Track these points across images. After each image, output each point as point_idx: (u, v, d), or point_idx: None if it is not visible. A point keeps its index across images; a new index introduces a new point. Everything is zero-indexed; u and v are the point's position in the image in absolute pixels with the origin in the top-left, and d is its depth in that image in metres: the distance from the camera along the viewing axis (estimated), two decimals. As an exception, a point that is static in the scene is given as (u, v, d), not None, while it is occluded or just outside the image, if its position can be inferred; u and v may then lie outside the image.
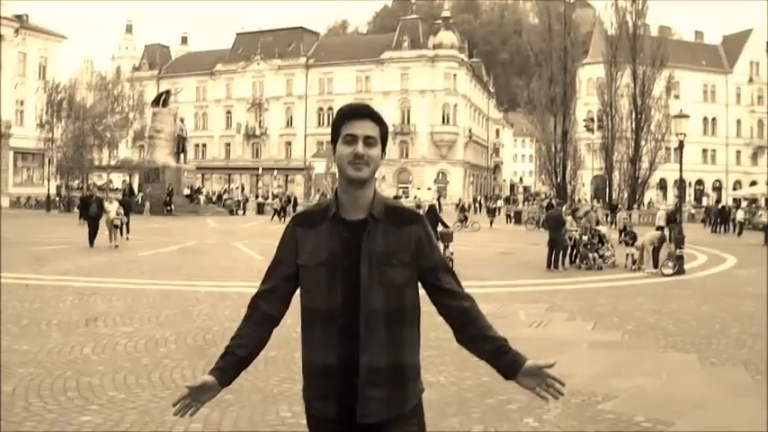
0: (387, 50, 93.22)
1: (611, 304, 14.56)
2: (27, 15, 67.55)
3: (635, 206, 55.01)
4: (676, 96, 72.67)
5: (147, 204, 51.06)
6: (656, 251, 21.35)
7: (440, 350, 8.38)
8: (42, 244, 25.43)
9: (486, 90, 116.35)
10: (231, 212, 58.50)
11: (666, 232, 21.70)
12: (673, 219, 22.42)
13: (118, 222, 25.96)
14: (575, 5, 67.39)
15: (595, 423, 6.62)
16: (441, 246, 16.74)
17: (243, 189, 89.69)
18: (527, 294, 15.77)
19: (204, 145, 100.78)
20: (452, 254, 19.11)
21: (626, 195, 56.43)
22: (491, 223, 47.23)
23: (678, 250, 20.70)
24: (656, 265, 20.90)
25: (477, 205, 74.41)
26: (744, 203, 57.02)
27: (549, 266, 21.15)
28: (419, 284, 2.86)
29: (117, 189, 59.77)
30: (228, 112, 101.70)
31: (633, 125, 56.68)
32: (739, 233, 41.75)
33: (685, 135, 22.99)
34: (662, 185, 77.58)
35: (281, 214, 47.77)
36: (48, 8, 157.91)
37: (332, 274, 2.74)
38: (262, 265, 3.00)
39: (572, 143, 62.49)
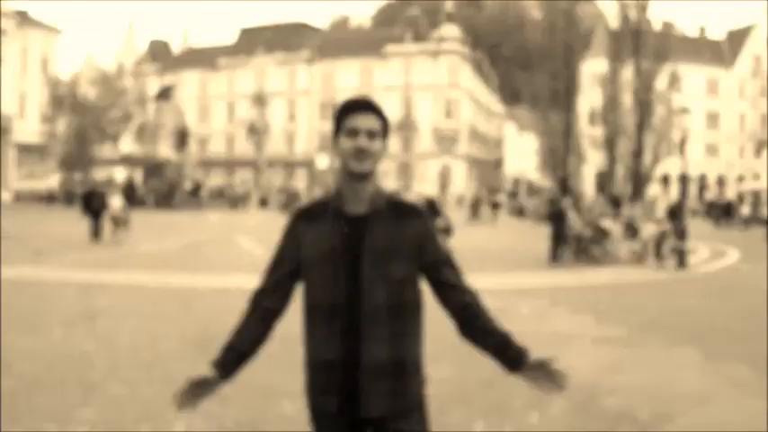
0: (389, 44, 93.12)
1: (613, 299, 14.55)
2: (26, 12, 67.61)
3: (638, 200, 54.95)
4: (679, 91, 72.51)
5: (154, 199, 51.03)
6: (658, 245, 21.33)
7: (442, 344, 8.36)
8: (44, 238, 25.44)
9: (490, 84, 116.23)
10: (233, 207, 58.51)
11: (667, 226, 21.64)
12: (674, 213, 22.36)
13: (121, 217, 25.98)
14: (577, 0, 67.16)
15: (598, 418, 6.61)
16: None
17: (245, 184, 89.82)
18: (530, 288, 15.77)
19: (206, 139, 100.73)
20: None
21: (629, 190, 56.37)
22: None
23: (681, 244, 20.67)
24: (658, 260, 20.88)
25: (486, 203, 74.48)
26: (749, 198, 56.96)
27: (551, 260, 21.16)
28: (422, 279, 2.85)
29: (118, 184, 59.77)
30: (231, 107, 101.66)
31: (636, 120, 56.57)
32: (746, 227, 41.73)
33: (688, 130, 22.94)
34: (665, 180, 77.45)
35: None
36: (50, 3, 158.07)
37: (333, 269, 2.74)
38: (264, 259, 2.98)
39: (575, 137, 62.40)
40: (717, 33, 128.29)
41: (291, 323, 3.11)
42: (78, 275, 16.10)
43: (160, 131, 58.40)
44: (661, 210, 27.06)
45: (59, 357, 8.45)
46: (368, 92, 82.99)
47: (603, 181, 63.02)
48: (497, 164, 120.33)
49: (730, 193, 73.37)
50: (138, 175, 62.36)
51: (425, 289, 2.86)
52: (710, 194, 74.55)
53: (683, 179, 25.33)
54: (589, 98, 67.45)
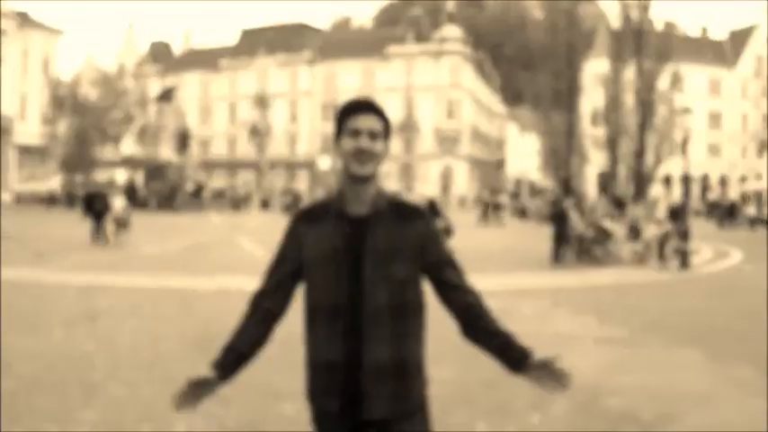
0: (391, 45, 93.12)
1: (615, 299, 14.55)
2: (27, 13, 67.69)
3: (640, 201, 54.93)
4: (681, 91, 72.49)
5: (155, 201, 51.05)
6: (661, 246, 21.32)
7: (445, 345, 8.37)
8: (44, 239, 25.46)
9: (492, 85, 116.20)
10: (235, 208, 58.53)
11: (669, 226, 21.64)
12: (676, 213, 22.35)
13: (125, 217, 26.01)
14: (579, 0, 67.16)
15: (600, 419, 6.61)
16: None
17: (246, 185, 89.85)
18: (532, 289, 15.76)
19: (208, 140, 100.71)
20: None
21: (631, 190, 56.35)
22: (489, 219, 47.09)
23: (684, 245, 20.66)
24: (661, 261, 20.87)
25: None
26: (754, 198, 56.93)
27: (553, 260, 21.17)
28: (424, 279, 2.85)
29: (119, 186, 59.79)
30: (233, 108, 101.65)
31: (638, 120, 56.53)
32: (752, 228, 41.68)
33: (690, 130, 22.93)
34: (667, 180, 77.42)
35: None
36: (50, 4, 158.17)
37: (335, 270, 2.74)
38: (265, 261, 2.98)
39: (577, 138, 62.37)
40: (719, 33, 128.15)
41: (292, 324, 3.11)
42: (79, 277, 16.12)
43: (161, 133, 58.49)
44: (662, 210, 27.08)
45: (60, 358, 8.46)
46: (369, 93, 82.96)
47: (606, 181, 62.99)
48: (499, 164, 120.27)
49: (733, 194, 73.34)
50: (140, 177, 62.42)
51: (427, 290, 2.86)
52: (713, 195, 74.47)
53: (686, 179, 25.33)
54: (591, 98, 67.36)
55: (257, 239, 26.17)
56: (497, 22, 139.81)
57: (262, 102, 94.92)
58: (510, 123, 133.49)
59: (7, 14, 61.95)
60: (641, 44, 56.67)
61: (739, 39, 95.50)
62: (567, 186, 57.55)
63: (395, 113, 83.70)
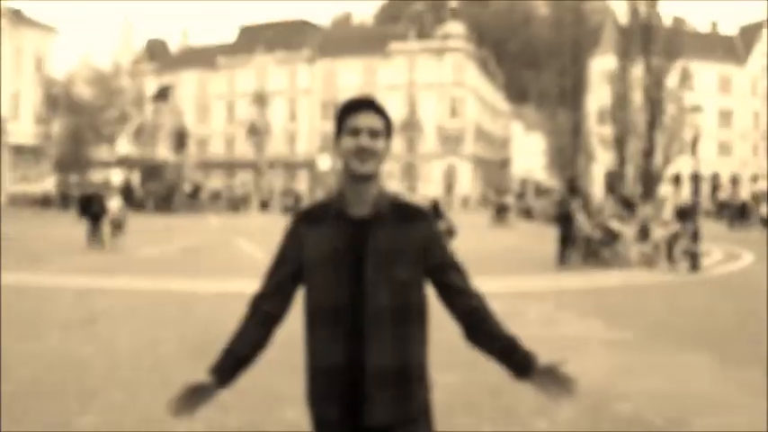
0: (393, 42, 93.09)
1: (623, 302, 14.55)
2: (21, 10, 67.70)
3: (649, 201, 54.89)
4: (691, 89, 72.46)
5: (152, 202, 51.07)
6: (670, 247, 21.30)
7: (448, 349, 8.38)
8: (40, 242, 25.50)
9: (496, 82, 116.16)
10: (234, 209, 58.55)
11: (677, 227, 21.61)
12: (685, 213, 22.33)
13: (121, 219, 26.02)
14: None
15: (608, 424, 6.61)
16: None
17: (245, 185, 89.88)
18: (537, 292, 15.76)
19: (206, 140, 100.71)
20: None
21: (640, 190, 56.30)
22: (502, 220, 47.04)
23: (694, 246, 20.63)
24: (670, 262, 20.86)
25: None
26: (764, 197, 56.77)
27: (559, 262, 21.17)
28: (427, 282, 2.87)
29: (115, 187, 59.75)
30: (231, 107, 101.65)
31: (646, 118, 56.49)
32: (764, 228, 41.59)
33: (700, 128, 22.91)
34: (677, 180, 77.39)
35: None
36: (44, 1, 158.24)
37: (336, 272, 2.74)
38: (265, 263, 3.00)
39: (583, 137, 62.40)
40: (729, 29, 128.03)
41: (293, 326, 3.13)
42: (76, 280, 16.15)
43: (158, 132, 58.56)
44: (668, 210, 27.06)
45: (58, 362, 8.48)
46: (371, 91, 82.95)
47: (613, 181, 62.97)
48: (504, 164, 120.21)
49: (744, 193, 73.23)
50: (136, 178, 62.44)
51: (430, 292, 2.88)
52: (724, 194, 74.36)
53: (695, 179, 25.28)
54: (598, 96, 67.33)
55: (256, 241, 26.18)
56: (501, 19, 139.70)
57: (260, 100, 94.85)
58: (514, 122, 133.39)
59: (0, 12, 61.98)
60: (649, 40, 56.63)
61: (750, 34, 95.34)
62: (574, 186, 57.33)
63: (396, 112, 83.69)
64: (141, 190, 56.70)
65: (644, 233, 22.66)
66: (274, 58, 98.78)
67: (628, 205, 33.44)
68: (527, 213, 53.68)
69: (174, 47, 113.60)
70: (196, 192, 57.55)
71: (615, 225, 23.13)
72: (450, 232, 19.45)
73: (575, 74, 60.97)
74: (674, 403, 7.29)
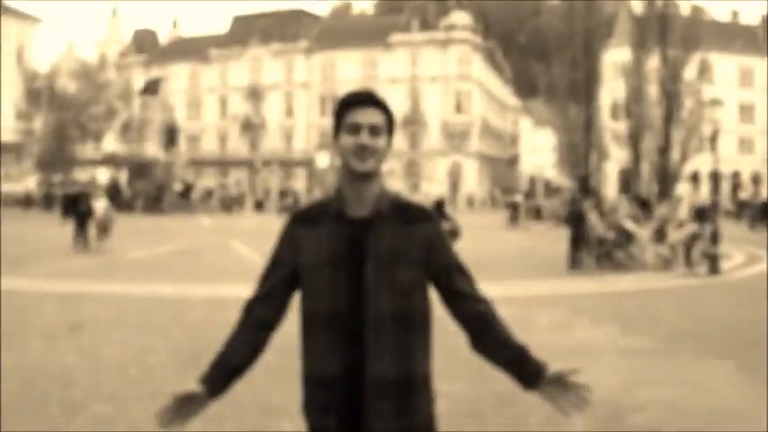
0: (395, 33, 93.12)
1: (639, 307, 14.53)
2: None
3: (665, 200, 54.87)
4: (710, 81, 72.47)
5: (141, 202, 51.11)
6: (688, 249, 21.28)
7: (453, 358, 8.37)
8: (22, 245, 25.49)
9: (503, 76, 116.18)
10: (227, 210, 58.60)
11: (693, 228, 21.57)
12: (703, 213, 22.28)
13: (107, 222, 26.01)
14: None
15: (623, 437, 6.60)
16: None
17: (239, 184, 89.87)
18: (548, 297, 15.75)
19: (197, 136, 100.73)
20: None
21: (656, 188, 56.30)
22: (509, 221, 47.00)
23: (713, 249, 20.61)
24: (688, 265, 20.84)
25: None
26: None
27: (571, 265, 21.16)
28: (431, 286, 2.86)
29: (101, 186, 59.71)
30: (223, 101, 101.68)
31: (663, 113, 56.51)
32: None
33: (720, 123, 22.88)
34: (695, 178, 77.40)
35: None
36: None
37: (335, 277, 2.73)
38: (260, 266, 2.98)
39: (596, 132, 62.39)
40: (751, 18, 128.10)
41: (290, 334, 3.12)
42: (60, 285, 16.14)
43: (147, 128, 58.59)
44: (684, 210, 27.02)
45: (41, 373, 8.46)
46: (371, 84, 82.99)
47: (627, 179, 63.05)
48: (512, 161, 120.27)
49: (766, 192, 73.18)
50: (123, 177, 62.46)
51: (434, 297, 2.86)
52: (745, 193, 74.32)
53: (715, 177, 25.32)
54: (611, 90, 67.36)
55: (251, 243, 26.18)
56: (509, 8, 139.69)
57: (255, 94, 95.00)
58: (523, 117, 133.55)
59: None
60: (666, 31, 56.68)
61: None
62: (586, 185, 57.50)
63: (399, 107, 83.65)
64: (129, 190, 56.77)
65: (660, 234, 22.65)
66: (270, 50, 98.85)
67: (643, 205, 33.50)
68: (536, 213, 53.65)
69: (163, 38, 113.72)
70: (187, 191, 57.61)
71: (630, 226, 23.10)
72: (455, 233, 19.39)
73: (587, 66, 60.94)
74: (693, 415, 7.27)
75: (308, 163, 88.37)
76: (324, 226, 2.79)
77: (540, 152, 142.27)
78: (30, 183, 61.55)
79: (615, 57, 71.03)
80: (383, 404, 2.69)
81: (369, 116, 2.77)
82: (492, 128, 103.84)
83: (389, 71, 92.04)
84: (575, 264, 21.32)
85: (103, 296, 14.75)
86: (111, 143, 78.60)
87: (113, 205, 28.22)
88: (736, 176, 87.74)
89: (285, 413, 6.89)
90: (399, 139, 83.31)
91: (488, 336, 2.84)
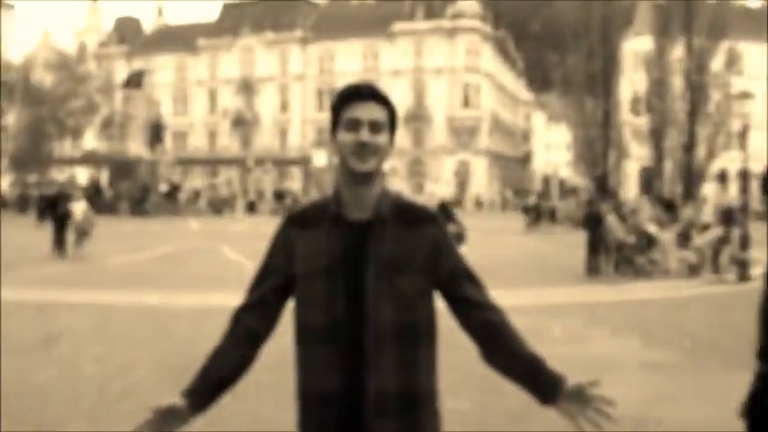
0: (397, 21, 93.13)
1: (662, 317, 14.52)
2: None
3: (689, 202, 54.82)
4: (739, 72, 72.43)
5: (124, 204, 51.12)
6: (715, 254, 21.24)
7: (461, 372, 8.37)
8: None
9: (515, 67, 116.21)
10: (217, 212, 58.62)
11: (723, 231, 21.52)
12: (730, 215, 22.23)
13: (86, 226, 25.99)
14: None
15: (645, 458, 6.59)
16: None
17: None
18: (563, 305, 15.75)
19: (184, 133, 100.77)
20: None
21: (680, 189, 56.28)
22: (528, 225, 46.87)
23: (743, 254, 20.57)
24: (715, 271, 20.82)
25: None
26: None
27: (588, 272, 21.15)
28: (436, 295, 2.85)
29: (81, 187, 59.63)
30: (213, 95, 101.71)
31: (688, 107, 56.51)
32: None
33: (750, 117, 22.86)
34: (722, 177, 77.37)
35: None
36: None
37: (332, 284, 2.72)
38: (252, 273, 2.97)
39: (615, 128, 62.41)
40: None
41: (283, 347, 3.11)
42: (36, 294, 16.13)
43: (130, 125, 58.46)
44: (708, 212, 26.98)
45: (14, 389, 8.43)
46: (372, 77, 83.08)
47: (649, 179, 63.01)
48: (524, 160, 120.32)
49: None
50: (104, 177, 62.47)
51: (440, 306, 2.85)
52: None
53: (744, 176, 25.27)
54: (631, 82, 67.40)
55: (243, 248, 26.18)
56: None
57: (247, 88, 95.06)
58: (536, 112, 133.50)
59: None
60: (691, 17, 56.62)
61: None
62: (604, 185, 57.55)
63: (401, 101, 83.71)
64: (110, 191, 56.79)
65: (685, 238, 22.60)
66: (262, 40, 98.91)
67: (667, 206, 33.45)
68: (550, 216, 53.60)
69: (147, 26, 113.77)
70: (174, 192, 57.64)
71: (652, 229, 23.08)
72: (460, 237, 19.44)
73: (605, 57, 61.02)
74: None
75: (303, 162, 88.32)
76: (320, 229, 2.78)
77: (554, 150, 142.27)
78: (3, 183, 61.60)
79: (635, 46, 71.02)
80: (385, 422, 2.68)
81: (369, 111, 2.75)
82: (502, 124, 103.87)
83: (392, 62, 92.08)
84: (592, 270, 21.32)
85: (82, 306, 14.74)
86: (90, 140, 78.68)
87: (93, 208, 28.17)
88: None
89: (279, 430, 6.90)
90: (402, 136, 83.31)
91: (501, 346, 2.82)
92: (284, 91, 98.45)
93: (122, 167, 56.67)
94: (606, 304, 16.26)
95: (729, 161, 62.43)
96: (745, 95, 24.25)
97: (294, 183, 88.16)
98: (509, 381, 2.85)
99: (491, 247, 27.73)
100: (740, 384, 9.28)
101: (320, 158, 78.77)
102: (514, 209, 72.74)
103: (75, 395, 8.29)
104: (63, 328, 12.19)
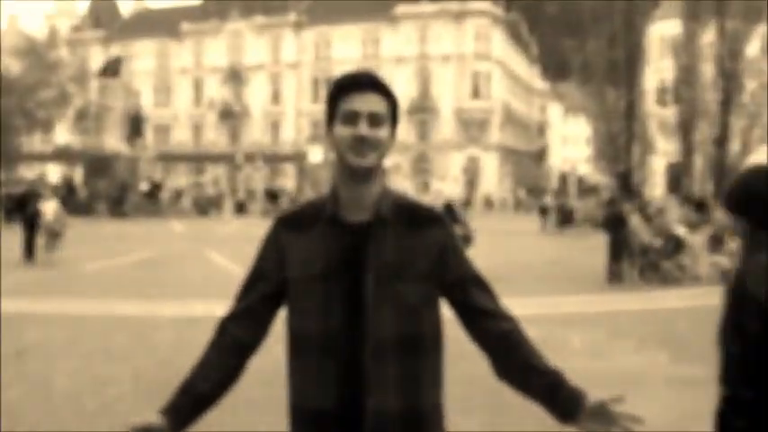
0: (400, 4, 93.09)
1: (692, 328, 14.50)
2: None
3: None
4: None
5: (100, 204, 51.14)
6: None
7: (470, 387, 8.37)
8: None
9: (529, 54, 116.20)
10: (203, 213, 58.66)
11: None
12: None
13: (58, 228, 25.97)
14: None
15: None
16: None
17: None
18: (583, 315, 15.75)
19: (167, 126, 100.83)
20: None
21: (711, 187, 56.23)
22: (544, 227, 46.91)
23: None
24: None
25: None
26: None
27: (610, 278, 21.15)
28: (443, 303, 2.85)
29: (52, 185, 59.59)
30: (198, 85, 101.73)
31: (720, 96, 56.42)
32: None
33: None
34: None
35: None
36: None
37: (328, 292, 2.72)
38: (241, 280, 2.97)
39: (639, 120, 62.33)
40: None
41: (276, 359, 3.11)
42: (5, 304, 16.08)
43: (106, 117, 58.48)
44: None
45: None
46: (372, 65, 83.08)
47: (677, 176, 62.93)
48: (539, 156, 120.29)
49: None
50: (78, 174, 62.49)
51: (447, 315, 2.85)
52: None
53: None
54: (658, 70, 67.32)
55: (231, 252, 26.20)
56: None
57: (235, 76, 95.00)
58: (552, 103, 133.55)
59: None
60: (723, -1, 56.47)
61: None
62: (627, 183, 57.54)
63: (405, 91, 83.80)
64: (85, 190, 56.80)
65: (717, 241, 22.57)
66: (252, 25, 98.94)
67: (697, 207, 33.40)
68: (568, 217, 53.58)
69: (126, 9, 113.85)
70: (155, 191, 57.67)
71: (680, 231, 23.08)
72: (467, 239, 19.45)
73: (628, 42, 60.91)
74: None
75: (298, 158, 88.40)
76: (315, 232, 2.78)
77: (572, 144, 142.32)
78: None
79: (662, 30, 70.93)
80: (386, 444, 2.68)
81: (368, 102, 2.75)
82: (515, 116, 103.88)
83: (394, 49, 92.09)
84: (614, 276, 21.31)
85: (54, 316, 14.74)
86: (63, 134, 78.71)
87: (66, 208, 28.18)
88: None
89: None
90: (405, 130, 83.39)
91: (514, 359, 2.82)
92: (276, 80, 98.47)
93: (98, 164, 56.66)
94: (630, 314, 16.26)
95: (765, 156, 62.43)
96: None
97: (287, 181, 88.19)
98: (524, 396, 2.85)
99: (502, 250, 27.73)
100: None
101: (316, 154, 78.85)
102: (528, 209, 72.76)
103: (48, 413, 8.29)
104: (33, 342, 12.19)
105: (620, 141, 61.21)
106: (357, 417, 2.67)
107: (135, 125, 58.90)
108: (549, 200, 53.73)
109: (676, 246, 22.20)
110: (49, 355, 11.29)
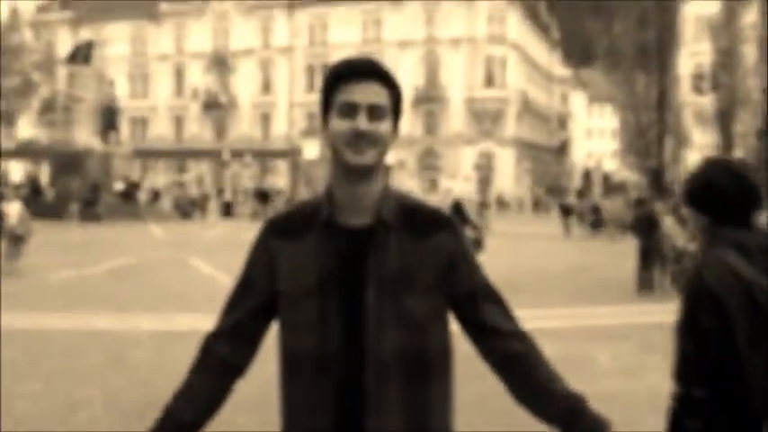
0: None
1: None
2: None
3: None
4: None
5: (70, 206, 51.09)
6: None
7: (481, 407, 8.37)
8: None
9: (548, 37, 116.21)
10: (185, 215, 58.65)
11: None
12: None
13: (21, 232, 25.98)
14: None
15: None
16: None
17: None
18: (610, 329, 15.75)
19: (145, 119, 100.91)
20: None
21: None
22: (567, 229, 46.87)
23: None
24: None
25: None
26: None
27: (640, 287, 21.15)
28: (451, 317, 2.85)
29: (15, 185, 59.55)
30: (179, 73, 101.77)
31: (763, 83, 56.40)
32: None
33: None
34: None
35: None
36: None
37: (324, 306, 2.72)
38: (228, 290, 2.97)
39: (673, 111, 62.36)
40: None
41: (265, 384, 3.11)
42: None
43: (76, 109, 58.43)
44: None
45: (-65, 435, 8.47)
46: (374, 49, 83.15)
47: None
48: (560, 150, 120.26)
49: None
50: (45, 173, 62.47)
51: (457, 330, 2.85)
52: None
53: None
54: (693, 54, 67.33)
55: (216, 260, 26.21)
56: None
57: (220, 63, 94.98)
58: (575, 92, 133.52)
59: None
60: (766, -27, 56.47)
61: None
62: (659, 181, 57.54)
63: (410, 79, 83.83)
64: (53, 190, 56.76)
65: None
66: (240, 6, 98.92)
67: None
68: (593, 219, 53.62)
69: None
70: (132, 191, 57.58)
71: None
72: (478, 243, 19.44)
73: (660, 23, 60.92)
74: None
75: (291, 154, 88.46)
76: (309, 238, 2.77)
77: (597, 138, 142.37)
78: None
79: (698, 9, 70.94)
80: (389, 472, 2.68)
81: (368, 93, 2.74)
82: (533, 106, 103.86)
83: (398, 32, 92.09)
84: (644, 285, 21.32)
85: (16, 333, 14.71)
86: (27, 128, 78.72)
87: (31, 210, 28.16)
88: None
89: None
90: (411, 122, 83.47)
91: (528, 382, 2.81)
92: (266, 67, 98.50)
93: (67, 161, 56.56)
94: (663, 327, 16.13)
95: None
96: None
97: (279, 179, 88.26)
98: (540, 422, 2.84)
99: (519, 255, 27.73)
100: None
101: (311, 150, 78.88)
102: (547, 210, 72.75)
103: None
104: (-4, 359, 12.20)
105: (650, 134, 61.24)
106: (355, 442, 2.67)
107: (108, 118, 58.69)
108: (571, 199, 53.73)
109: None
110: (10, 375, 11.27)
